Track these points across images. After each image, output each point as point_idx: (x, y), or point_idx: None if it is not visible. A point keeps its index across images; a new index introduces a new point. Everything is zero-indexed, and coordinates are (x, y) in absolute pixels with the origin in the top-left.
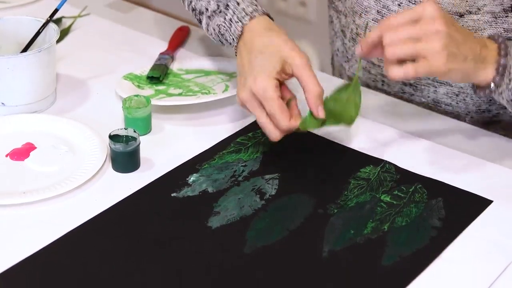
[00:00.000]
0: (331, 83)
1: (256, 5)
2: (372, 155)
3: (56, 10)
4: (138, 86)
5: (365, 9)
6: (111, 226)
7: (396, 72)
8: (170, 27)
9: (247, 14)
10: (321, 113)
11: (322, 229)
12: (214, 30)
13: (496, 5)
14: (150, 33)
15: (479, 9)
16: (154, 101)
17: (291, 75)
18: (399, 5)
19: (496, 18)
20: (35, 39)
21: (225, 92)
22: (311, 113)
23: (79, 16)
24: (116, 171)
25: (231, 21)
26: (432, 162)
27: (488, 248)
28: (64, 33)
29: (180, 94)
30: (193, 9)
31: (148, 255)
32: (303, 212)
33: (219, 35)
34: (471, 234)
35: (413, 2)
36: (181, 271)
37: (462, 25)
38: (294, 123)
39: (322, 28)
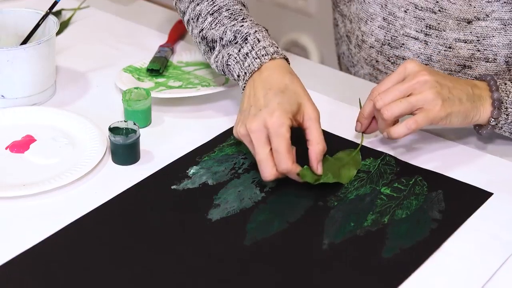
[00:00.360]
0: (332, 76)
1: (277, 47)
2: (372, 148)
3: (55, 3)
4: (138, 79)
5: (371, 16)
6: (111, 218)
7: (399, 131)
8: (169, 20)
9: (267, 54)
10: (319, 170)
11: (322, 222)
12: (222, 58)
13: (505, 11)
14: (149, 25)
15: (487, 15)
16: (154, 94)
17: (299, 124)
18: (405, 11)
19: (505, 25)
20: (35, 32)
21: (225, 85)
22: (308, 167)
23: (79, 8)
24: (116, 163)
25: (247, 55)
26: (432, 155)
27: (488, 240)
28: (63, 26)
29: (180, 87)
30: (203, 38)
31: (148, 247)
32: (303, 205)
33: (224, 65)
34: (471, 227)
35: (420, 8)
36: (181, 264)
37: (470, 32)
38: (295, 168)
39: (322, 21)
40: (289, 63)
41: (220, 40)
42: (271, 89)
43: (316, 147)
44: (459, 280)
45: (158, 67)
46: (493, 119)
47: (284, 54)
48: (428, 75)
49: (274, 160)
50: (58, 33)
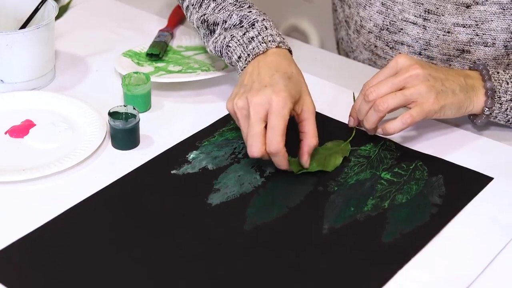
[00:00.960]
0: (332, 60)
1: (284, 39)
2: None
3: None
4: (138, 63)
5: (369, 1)
6: (111, 203)
7: (395, 126)
8: (169, 5)
9: (274, 41)
10: (307, 164)
11: (322, 206)
12: (224, 38)
13: None
14: (149, 10)
15: None
16: (153, 78)
17: (296, 115)
18: None
19: (504, 9)
20: (34, 16)
21: (225, 69)
22: (294, 158)
23: None
24: (116, 148)
25: (252, 39)
26: (432, 140)
27: (489, 225)
28: (63, 10)
29: (179, 71)
30: (204, 21)
31: (148, 232)
32: (303, 190)
33: (224, 47)
34: (471, 211)
35: None
36: (181, 248)
37: (469, 16)
38: (284, 151)
39: (322, 6)
40: (292, 56)
41: (222, 23)
42: (278, 72)
43: (310, 140)
44: (459, 264)
45: (158, 51)
46: (487, 109)
47: (290, 47)
48: (420, 68)
49: (265, 139)
50: (57, 17)
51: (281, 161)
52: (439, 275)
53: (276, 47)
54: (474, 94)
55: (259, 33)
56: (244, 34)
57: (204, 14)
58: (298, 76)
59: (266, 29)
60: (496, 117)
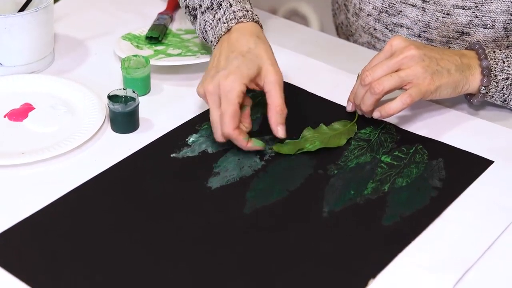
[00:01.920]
0: (332, 44)
1: (247, 11)
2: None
3: None
4: (137, 46)
5: None
6: (110, 186)
7: (395, 106)
8: None
9: (235, 18)
10: (280, 133)
11: (322, 190)
12: (200, 25)
13: None
14: None
15: None
16: (153, 61)
17: (260, 88)
18: None
19: None
20: None
21: None
22: (283, 142)
23: None
24: (115, 131)
25: (219, 20)
26: (433, 123)
27: (489, 208)
28: None
29: (179, 54)
30: (186, 6)
31: (148, 215)
32: (303, 173)
33: (203, 32)
34: (472, 195)
35: None
36: (181, 231)
37: None
38: (236, 134)
39: None
40: (261, 27)
41: (199, 8)
42: (233, 52)
43: (273, 110)
44: (459, 248)
45: (157, 34)
46: (483, 87)
47: (256, 18)
48: (415, 49)
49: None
50: (56, 0)
51: (239, 142)
52: (439, 258)
53: (237, 23)
54: (470, 73)
55: (224, 12)
56: (214, 16)
57: (185, 0)
58: (257, 50)
59: (231, 6)
60: (492, 96)
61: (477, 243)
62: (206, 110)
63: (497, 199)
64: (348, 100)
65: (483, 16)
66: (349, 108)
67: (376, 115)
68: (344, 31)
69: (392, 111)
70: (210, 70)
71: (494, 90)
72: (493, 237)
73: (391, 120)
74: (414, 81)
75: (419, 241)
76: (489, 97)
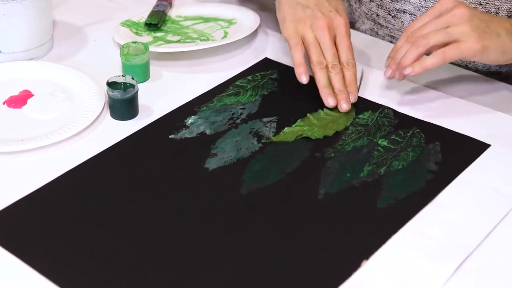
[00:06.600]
0: None
1: None
2: (372, 100)
3: None
4: (136, 33)
5: None
6: (108, 167)
7: (429, 61)
8: None
9: None
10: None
11: (318, 172)
12: None
13: None
14: None
15: None
16: (152, 48)
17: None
18: None
19: None
20: None
21: (224, 39)
22: (289, 127)
23: None
24: (114, 118)
25: None
26: (431, 109)
27: (487, 194)
28: None
29: (178, 41)
30: None
31: (146, 195)
32: (300, 155)
33: None
34: (468, 179)
35: None
36: (178, 211)
37: None
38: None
39: None
40: None
41: None
42: None
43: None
44: (458, 233)
45: (156, 21)
46: None
47: None
48: (465, 8)
49: None
50: None
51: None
52: (437, 244)
53: None
54: None
55: None
56: None
57: None
58: None
59: None
60: None
61: (475, 229)
62: (204, 92)
63: (495, 184)
64: (388, 59)
65: (487, 3)
66: (388, 75)
67: (408, 71)
68: (349, 19)
69: (425, 65)
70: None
71: None
72: (492, 224)
73: (391, 104)
74: (459, 39)
75: (418, 227)
76: None
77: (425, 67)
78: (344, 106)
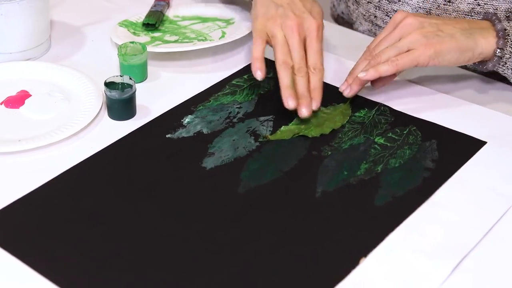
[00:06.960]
0: (332, 32)
1: None
2: (368, 98)
3: None
4: (134, 33)
5: None
6: (105, 166)
7: (382, 67)
8: None
9: None
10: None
11: (315, 170)
12: None
13: None
14: None
15: None
16: (150, 48)
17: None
18: None
19: None
20: None
21: (221, 39)
22: (286, 126)
23: None
24: (112, 118)
25: None
26: (428, 108)
27: (484, 193)
28: None
29: (176, 41)
30: None
31: (143, 195)
32: (297, 154)
33: None
34: (466, 178)
35: None
36: (176, 210)
37: None
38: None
39: None
40: None
41: None
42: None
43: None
44: (456, 232)
45: (154, 21)
46: (498, 50)
47: None
48: (412, 17)
49: None
50: None
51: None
52: (435, 243)
53: None
54: (481, 35)
55: None
56: None
57: None
58: None
59: None
60: (506, 62)
61: (473, 228)
62: (201, 92)
63: (494, 183)
64: (349, 76)
65: (485, 4)
66: (342, 88)
67: (361, 74)
68: (347, 20)
69: (380, 71)
70: (278, 9)
71: (509, 56)
72: (490, 222)
73: (388, 102)
74: (411, 48)
75: (416, 226)
76: (503, 63)
77: (379, 72)
78: (304, 112)
